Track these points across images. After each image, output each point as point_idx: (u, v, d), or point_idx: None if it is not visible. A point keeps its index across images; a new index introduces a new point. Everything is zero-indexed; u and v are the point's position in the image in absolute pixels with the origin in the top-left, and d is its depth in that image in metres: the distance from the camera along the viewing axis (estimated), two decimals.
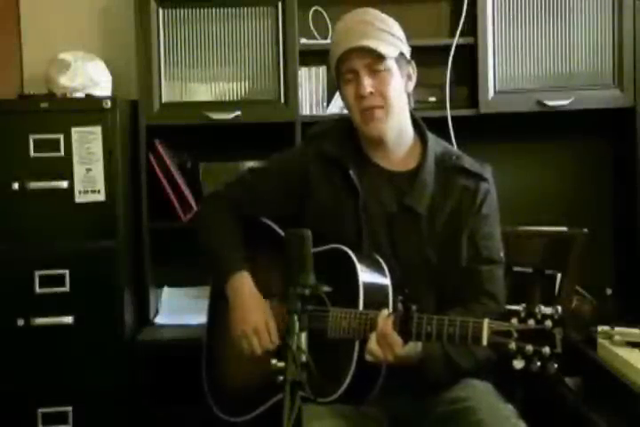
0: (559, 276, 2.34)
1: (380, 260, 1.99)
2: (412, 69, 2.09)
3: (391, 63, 2.00)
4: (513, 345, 1.68)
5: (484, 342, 1.72)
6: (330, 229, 2.03)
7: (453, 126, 3.04)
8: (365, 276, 1.94)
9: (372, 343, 1.83)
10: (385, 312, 1.85)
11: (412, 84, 2.09)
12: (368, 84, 1.99)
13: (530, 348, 1.67)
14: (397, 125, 2.05)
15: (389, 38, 2.01)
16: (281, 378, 1.55)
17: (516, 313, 1.70)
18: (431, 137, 2.12)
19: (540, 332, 1.67)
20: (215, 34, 2.99)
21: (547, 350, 1.65)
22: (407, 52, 2.07)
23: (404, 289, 1.94)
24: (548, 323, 1.67)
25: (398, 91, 2.03)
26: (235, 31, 2.99)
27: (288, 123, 2.99)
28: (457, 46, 3.09)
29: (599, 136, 3.28)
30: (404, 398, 1.97)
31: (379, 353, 1.83)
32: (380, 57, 1.98)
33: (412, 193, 2.03)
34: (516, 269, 2.39)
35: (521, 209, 3.06)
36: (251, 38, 3.00)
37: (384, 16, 2.06)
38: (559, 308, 1.69)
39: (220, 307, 2.18)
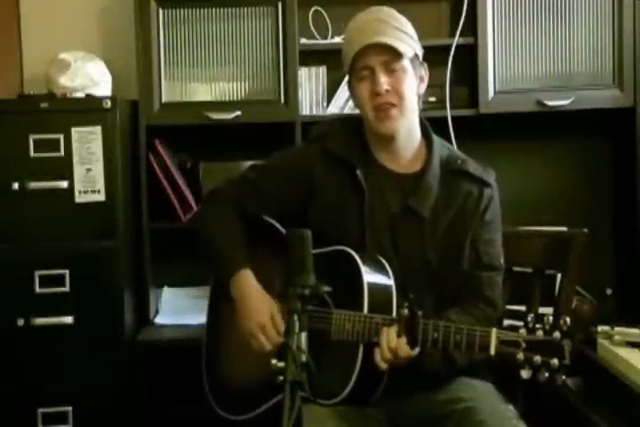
0: (559, 276, 2.33)
1: (384, 261, 1.98)
2: (425, 71, 2.08)
3: (407, 63, 1.99)
4: (521, 355, 1.68)
5: (492, 351, 1.72)
6: (334, 228, 2.02)
7: (453, 126, 3.04)
8: (369, 278, 1.93)
9: (381, 354, 1.84)
10: (393, 333, 1.84)
11: (423, 87, 2.08)
12: (384, 81, 1.97)
13: (538, 359, 1.66)
14: (408, 126, 2.05)
15: (405, 37, 2.00)
16: (281, 378, 1.54)
17: (523, 317, 1.69)
18: (437, 140, 2.11)
19: (548, 343, 1.66)
20: (215, 34, 2.99)
21: (555, 361, 1.64)
22: (420, 53, 2.06)
23: (409, 294, 1.93)
24: (557, 334, 1.66)
25: (412, 91, 2.02)
26: (235, 31, 2.99)
27: (288, 123, 2.99)
28: (457, 46, 3.09)
29: (599, 136, 3.28)
30: (406, 399, 1.97)
31: (387, 362, 1.84)
32: (397, 55, 1.97)
33: (417, 195, 2.03)
34: (516, 269, 2.39)
35: (521, 209, 3.06)
36: (251, 38, 2.99)
37: (398, 15, 2.05)
38: (568, 319, 1.67)
39: (220, 305, 2.17)
